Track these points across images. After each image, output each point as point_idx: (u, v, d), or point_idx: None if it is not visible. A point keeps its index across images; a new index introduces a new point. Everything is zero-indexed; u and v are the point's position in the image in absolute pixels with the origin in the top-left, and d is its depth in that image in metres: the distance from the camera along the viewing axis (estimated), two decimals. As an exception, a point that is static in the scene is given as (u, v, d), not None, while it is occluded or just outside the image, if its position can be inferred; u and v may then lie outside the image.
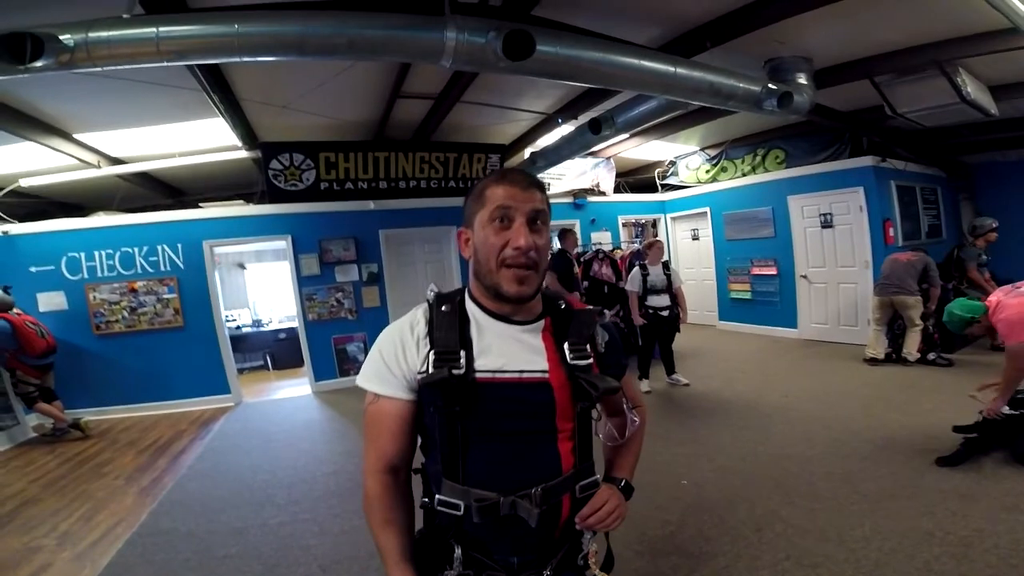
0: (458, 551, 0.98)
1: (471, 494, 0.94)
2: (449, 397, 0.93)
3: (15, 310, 4.85)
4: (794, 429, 3.85)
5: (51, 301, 5.49)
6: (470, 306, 1.04)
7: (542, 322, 1.04)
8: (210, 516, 3.18)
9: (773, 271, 7.17)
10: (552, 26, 2.95)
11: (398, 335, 1.02)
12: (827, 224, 6.50)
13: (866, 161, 6.06)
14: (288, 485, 3.56)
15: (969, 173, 7.36)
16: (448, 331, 0.98)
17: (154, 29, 2.19)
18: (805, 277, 6.81)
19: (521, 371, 0.97)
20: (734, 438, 3.79)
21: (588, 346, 1.03)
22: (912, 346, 5.26)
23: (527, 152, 6.29)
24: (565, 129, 5.31)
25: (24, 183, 5.25)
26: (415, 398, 1.00)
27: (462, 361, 0.95)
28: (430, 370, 0.95)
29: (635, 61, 3.02)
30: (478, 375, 0.95)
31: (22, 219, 5.61)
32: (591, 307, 1.11)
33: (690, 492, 3.01)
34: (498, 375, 0.96)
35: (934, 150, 6.82)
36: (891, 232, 6.12)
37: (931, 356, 5.21)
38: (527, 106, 5.11)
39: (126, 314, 5.70)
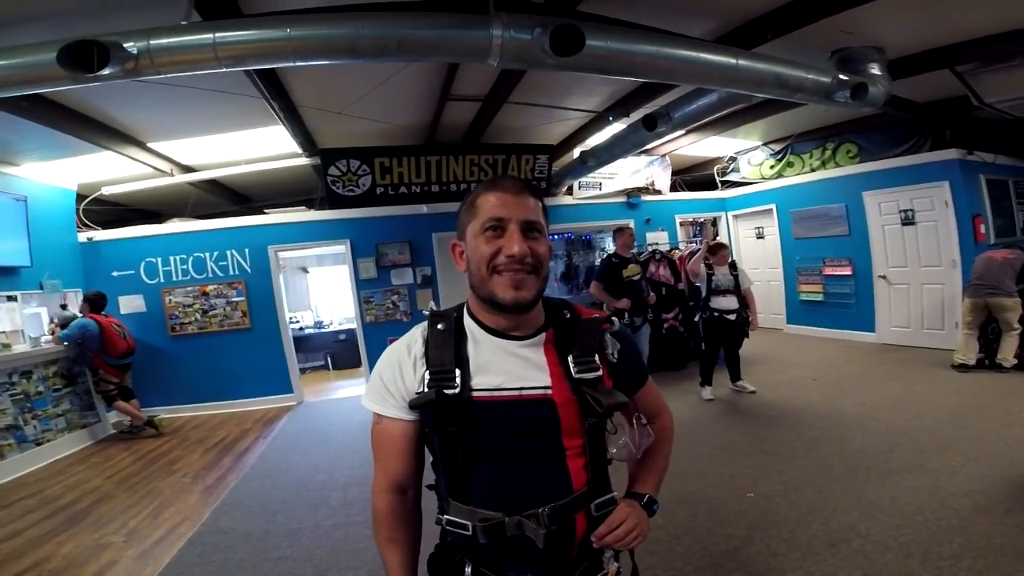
0: (469, 569, 0.96)
1: (476, 514, 0.92)
2: (442, 418, 0.91)
3: (103, 312, 5.21)
4: (874, 440, 3.56)
5: (131, 304, 5.90)
6: (468, 322, 1.00)
7: (543, 335, 0.99)
8: (268, 517, 3.25)
9: (848, 271, 6.72)
10: (600, 20, 2.86)
11: (396, 357, 1.00)
12: (908, 221, 6.03)
13: (951, 154, 5.60)
14: (343, 486, 3.62)
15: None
16: (443, 350, 0.95)
17: (211, 35, 2.28)
18: (884, 277, 6.35)
19: (521, 388, 0.93)
20: (806, 449, 3.55)
21: (596, 357, 0.98)
22: (1009, 351, 4.80)
23: (577, 151, 6.17)
24: (616, 127, 5.16)
25: (105, 191, 5.69)
26: (417, 417, 0.98)
27: (457, 380, 0.92)
28: (425, 390, 0.93)
29: (693, 54, 2.88)
30: (475, 394, 0.92)
31: (105, 226, 6.06)
32: (598, 315, 1.06)
33: (757, 506, 2.83)
34: (496, 393, 0.92)
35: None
36: (982, 229, 5.61)
37: (1032, 361, 4.71)
38: (576, 105, 5.01)
39: (198, 316, 6.05)
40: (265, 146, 5.30)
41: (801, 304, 7.49)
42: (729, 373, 5.07)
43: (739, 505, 2.87)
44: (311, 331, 8.99)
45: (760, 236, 8.18)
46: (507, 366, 0.94)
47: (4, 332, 4.60)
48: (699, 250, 6.39)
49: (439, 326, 0.99)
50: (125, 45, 2.26)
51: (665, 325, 6.06)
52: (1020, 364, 4.75)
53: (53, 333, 4.95)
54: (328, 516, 3.18)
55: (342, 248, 6.52)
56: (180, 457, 4.58)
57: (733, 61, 3.02)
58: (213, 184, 6.31)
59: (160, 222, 6.30)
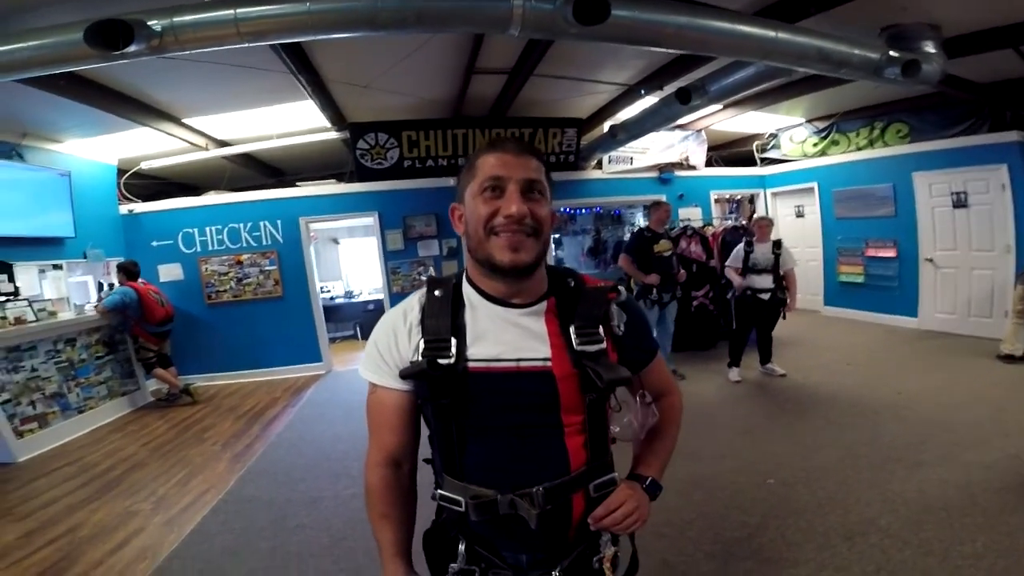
0: (462, 546, 0.95)
1: (468, 491, 0.89)
2: (436, 389, 0.87)
3: (140, 280, 5.41)
4: (907, 430, 3.43)
5: (170, 272, 6.12)
6: (467, 289, 0.96)
7: (544, 303, 0.94)
8: (291, 485, 3.35)
9: (892, 253, 6.42)
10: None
11: (391, 324, 0.96)
12: (960, 204, 5.68)
13: (1011, 136, 5.22)
14: (363, 456, 3.68)
15: None
16: (439, 317, 0.92)
17: (232, 11, 2.29)
18: (931, 261, 6.04)
19: (519, 360, 0.89)
20: (834, 437, 3.45)
21: (600, 329, 0.93)
22: (1061, 343, 4.50)
23: (607, 125, 6.01)
24: (649, 100, 4.98)
25: (144, 166, 5.87)
26: (411, 387, 0.95)
27: (452, 349, 0.88)
28: (419, 359, 0.89)
29: (727, 25, 2.74)
30: (471, 364, 0.88)
31: (146, 199, 6.27)
32: (604, 284, 1.00)
33: (776, 493, 2.78)
34: (493, 364, 0.88)
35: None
36: (1041, 213, 5.22)
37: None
38: (607, 78, 4.85)
39: (233, 284, 6.23)
40: (295, 120, 5.34)
41: (840, 286, 7.22)
42: (760, 354, 4.95)
43: (757, 492, 2.82)
44: (341, 301, 9.17)
45: (800, 215, 7.85)
46: (506, 335, 0.90)
47: (50, 300, 4.81)
48: (735, 228, 6.21)
49: (436, 292, 0.95)
50: (149, 23, 2.30)
51: (695, 303, 5.94)
52: None
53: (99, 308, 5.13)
54: (348, 486, 3.26)
55: (371, 220, 6.58)
56: (212, 425, 4.75)
57: (772, 34, 2.87)
58: (247, 158, 6.42)
59: (197, 195, 6.47)
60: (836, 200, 7.06)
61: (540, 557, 0.95)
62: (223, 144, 5.80)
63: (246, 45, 2.43)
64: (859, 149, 6.67)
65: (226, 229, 6.21)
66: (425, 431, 1.00)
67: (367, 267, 9.36)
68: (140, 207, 6.14)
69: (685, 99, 4.21)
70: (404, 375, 0.91)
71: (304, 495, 3.20)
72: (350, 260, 9.86)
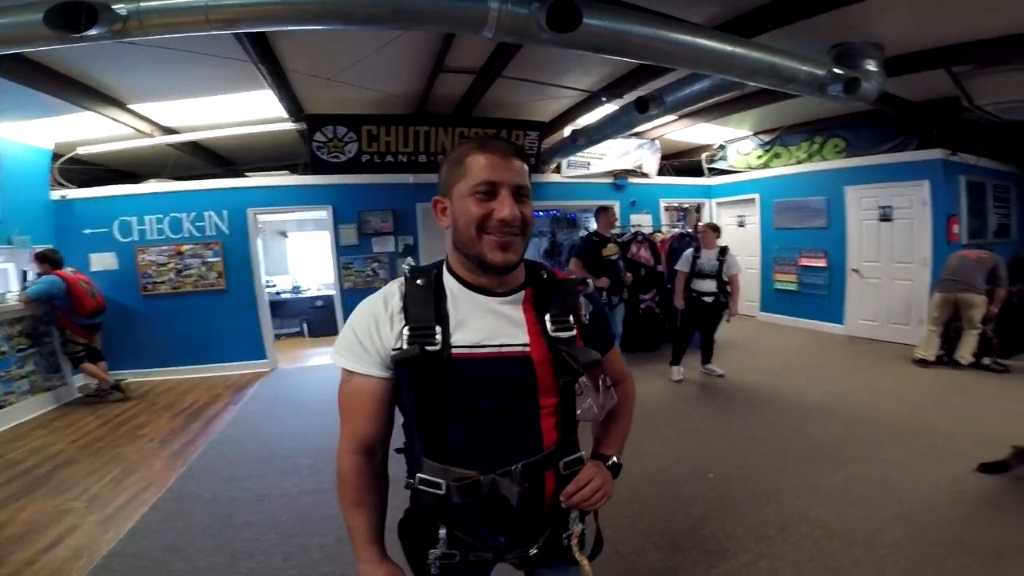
0: (443, 531, 0.97)
1: (450, 473, 0.92)
2: (423, 375, 0.90)
3: (69, 268, 5.05)
4: (833, 429, 3.69)
5: (102, 261, 5.73)
6: (447, 279, 0.99)
7: (522, 293, 1.00)
8: (235, 482, 3.24)
9: (823, 263, 6.86)
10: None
11: (371, 311, 0.97)
12: (886, 217, 6.15)
13: (935, 154, 5.68)
14: (314, 454, 3.62)
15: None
16: (423, 306, 0.94)
17: (203, -3, 2.19)
18: (857, 271, 6.50)
19: (500, 345, 0.94)
20: (768, 435, 3.67)
21: (571, 317, 1.00)
22: (967, 349, 4.98)
23: (568, 130, 6.13)
24: (609, 108, 5.13)
25: (81, 151, 5.49)
26: (391, 375, 0.96)
27: (437, 337, 0.91)
28: (404, 347, 0.91)
29: (690, 38, 2.85)
30: (454, 351, 0.91)
31: (82, 185, 5.85)
32: (574, 276, 1.07)
33: (716, 487, 2.93)
34: (476, 351, 0.92)
35: (1012, 146, 6.31)
36: (955, 229, 5.75)
37: (986, 361, 4.92)
38: (571, 83, 4.94)
39: (172, 275, 5.91)
40: (250, 110, 5.16)
41: (775, 293, 7.64)
42: (701, 355, 5.18)
43: (699, 486, 2.96)
44: (288, 296, 8.88)
45: (741, 224, 8.26)
46: (486, 323, 0.94)
47: (-32, 287, 4.42)
48: (683, 235, 6.48)
49: (419, 281, 0.97)
50: (114, 6, 2.18)
51: (642, 305, 6.15)
52: (976, 363, 4.93)
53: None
54: (297, 483, 3.19)
55: (324, 214, 6.40)
56: (147, 422, 4.51)
57: (728, 48, 3.01)
58: (194, 146, 6.13)
59: (137, 182, 6.09)
60: (776, 211, 7.47)
61: (515, 538, 1.00)
62: (170, 131, 5.52)
63: (212, 33, 2.34)
64: (799, 162, 7.07)
65: (167, 218, 5.89)
66: (399, 420, 1.03)
67: (316, 262, 9.11)
68: (74, 193, 5.73)
69: (643, 108, 4.36)
70: (398, 360, 0.90)
71: (250, 493, 3.11)
72: (299, 254, 9.55)
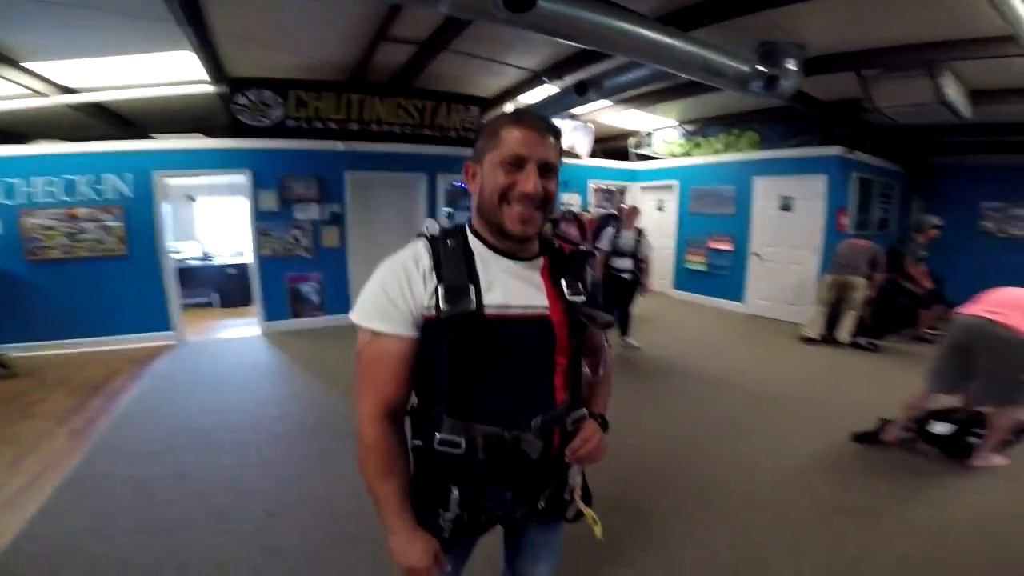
0: (455, 492, 1.00)
1: (475, 429, 0.95)
2: (463, 333, 0.92)
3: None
4: (733, 398, 4.06)
5: (-20, 225, 5.01)
6: (473, 241, 1.02)
7: (541, 260, 1.06)
8: (149, 460, 3.07)
9: (729, 247, 7.43)
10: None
11: (401, 268, 0.97)
12: (786, 207, 6.73)
13: (834, 151, 6.23)
14: (235, 428, 3.49)
15: (929, 173, 7.70)
16: (455, 266, 0.96)
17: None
18: (757, 255, 7.08)
19: (525, 307, 0.98)
20: (679, 403, 3.98)
21: (580, 284, 1.06)
22: (846, 329, 5.60)
23: (509, 107, 6.11)
24: (550, 89, 5.19)
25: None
26: (418, 335, 0.96)
27: (472, 296, 0.94)
28: (441, 305, 0.92)
29: (635, 29, 2.95)
30: (487, 311, 0.94)
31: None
32: (582, 248, 1.15)
33: (635, 451, 3.11)
34: (504, 311, 0.96)
35: (901, 147, 7.08)
36: (844, 221, 6.40)
37: (861, 340, 5.56)
38: (516, 62, 4.94)
39: (65, 240, 5.28)
40: (164, 71, 4.68)
41: (687, 272, 8.19)
42: (620, 328, 5.47)
43: (620, 451, 3.07)
44: (197, 263, 8.22)
45: (660, 208, 8.71)
46: (513, 285, 0.98)
47: None
48: (608, 216, 6.73)
49: (449, 242, 0.99)
50: None
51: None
52: (853, 342, 5.56)
53: None
54: (219, 459, 3.07)
55: (240, 178, 5.95)
56: (40, 399, 4.07)
57: (668, 40, 3.14)
58: (95, 108, 5.47)
59: (25, 143, 5.35)
60: (691, 197, 7.95)
61: (522, 493, 1.06)
62: (69, 91, 4.88)
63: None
64: (716, 153, 7.53)
65: (60, 181, 5.23)
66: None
67: (229, 229, 8.50)
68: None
69: (582, 92, 4.46)
70: (445, 318, 0.91)
71: (168, 469, 2.95)
72: (209, 220, 8.83)
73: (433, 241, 1.00)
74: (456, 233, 1.02)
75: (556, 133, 1.00)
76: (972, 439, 3.01)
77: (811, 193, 6.47)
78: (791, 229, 6.72)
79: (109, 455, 3.13)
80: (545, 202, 0.97)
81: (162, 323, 5.78)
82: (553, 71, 4.87)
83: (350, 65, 5.12)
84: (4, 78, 4.08)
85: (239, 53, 4.55)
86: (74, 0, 2.08)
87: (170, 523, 2.44)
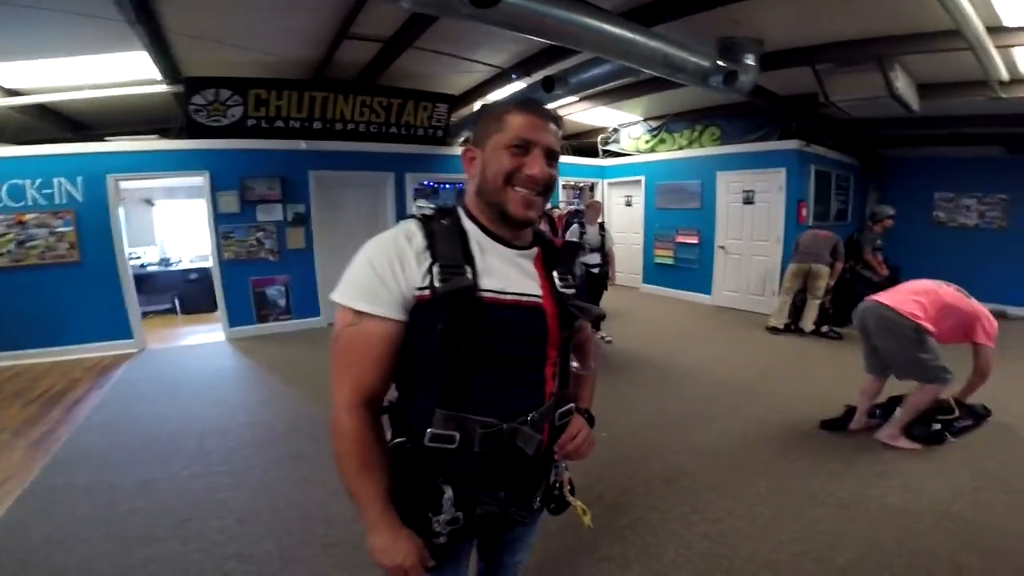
0: (448, 492, 0.94)
1: (471, 421, 0.91)
2: (459, 314, 0.88)
3: None
4: (701, 390, 4.12)
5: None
6: (468, 224, 0.99)
7: (535, 250, 1.04)
8: (111, 470, 2.98)
9: (695, 240, 7.57)
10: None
11: (392, 245, 0.91)
12: (748, 201, 6.89)
13: (792, 144, 6.39)
14: (199, 436, 3.41)
15: (881, 165, 8.03)
16: (452, 244, 0.93)
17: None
18: (723, 248, 7.23)
19: (520, 294, 0.95)
20: (649, 395, 4.03)
21: (571, 277, 1.05)
22: (810, 319, 5.76)
23: (477, 104, 6.11)
24: (518, 85, 5.20)
25: None
26: (405, 320, 0.91)
27: (468, 276, 0.90)
28: (435, 284, 0.87)
29: (598, 24, 3.00)
30: (483, 294, 0.91)
31: None
32: (571, 240, 1.15)
33: (608, 445, 3.11)
34: (500, 296, 0.93)
35: (854, 140, 7.32)
36: (804, 212, 6.59)
37: (824, 329, 5.73)
38: (483, 59, 4.94)
39: (12, 247, 5.04)
40: (115, 71, 4.52)
41: (655, 267, 8.32)
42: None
43: (596, 445, 3.19)
44: (156, 269, 7.95)
45: (629, 204, 8.84)
46: (507, 272, 0.96)
47: None
48: (576, 212, 6.78)
49: (444, 222, 0.96)
50: None
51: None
52: (816, 331, 5.73)
53: None
54: (184, 467, 2.99)
55: (199, 180, 5.77)
56: (-6, 412, 3.89)
57: (630, 35, 3.20)
58: (41, 110, 5.25)
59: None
60: (658, 193, 8.07)
61: (516, 490, 1.02)
62: (13, 94, 4.67)
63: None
64: (680, 148, 7.67)
65: (5, 185, 5.00)
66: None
67: (189, 233, 8.24)
68: None
69: (549, 88, 4.49)
70: (444, 293, 0.86)
71: (131, 479, 2.87)
72: (167, 224, 8.54)
73: (426, 220, 0.96)
74: (450, 213, 0.99)
75: (558, 121, 0.99)
76: (936, 424, 3.15)
77: (771, 186, 6.63)
78: (754, 222, 6.88)
79: (70, 466, 3.03)
80: (548, 188, 0.97)
81: (121, 331, 5.58)
82: (520, 67, 4.88)
83: (312, 63, 5.02)
84: None
85: (195, 52, 4.42)
86: None
87: (137, 533, 2.37)
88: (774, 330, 5.88)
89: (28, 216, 5.09)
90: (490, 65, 5.14)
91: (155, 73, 4.60)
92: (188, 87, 4.93)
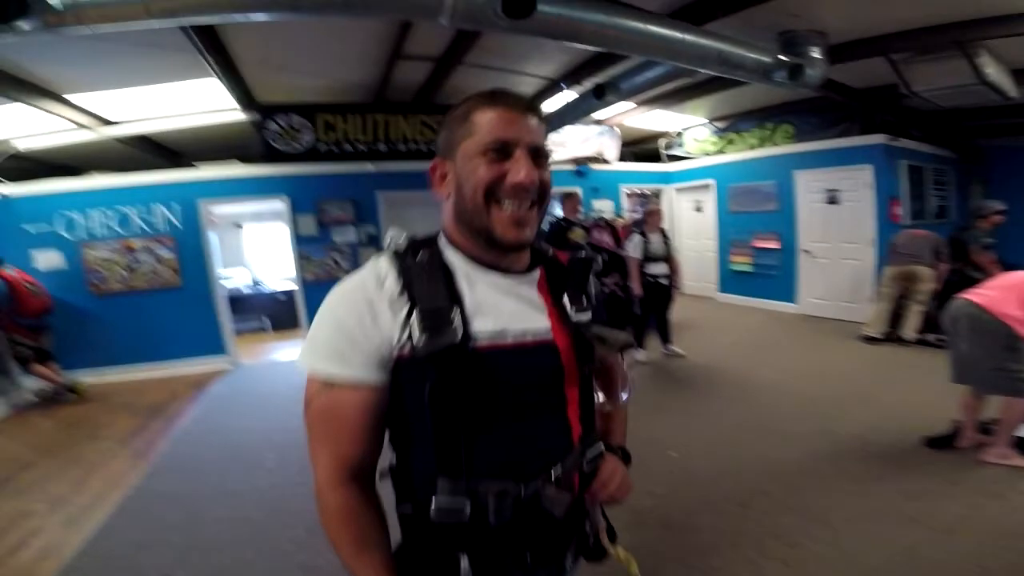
0: (465, 562, 0.78)
1: (481, 488, 0.76)
2: (448, 371, 0.73)
3: (11, 268, 4.81)
4: (785, 405, 3.84)
5: (48, 260, 5.45)
6: (451, 254, 0.82)
7: (537, 272, 0.87)
8: (201, 479, 3.21)
9: (776, 245, 7.11)
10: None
11: (361, 294, 0.76)
12: (833, 200, 6.40)
13: (877, 139, 5.92)
14: (280, 448, 3.58)
15: (983, 156, 7.20)
16: (432, 284, 0.76)
17: (143, -13, 2.10)
18: (807, 252, 6.75)
19: (524, 332, 0.79)
20: (725, 412, 3.79)
21: (584, 298, 0.89)
22: (912, 326, 5.24)
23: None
24: (569, 95, 5.18)
25: (19, 146, 5.19)
26: (386, 381, 0.76)
27: (456, 322, 0.74)
28: (414, 337, 0.73)
29: (641, 25, 2.91)
30: (478, 342, 0.75)
31: (16, 181, 5.50)
32: (583, 254, 0.95)
33: (678, 464, 3.01)
34: (499, 340, 0.77)
35: (948, 131, 6.67)
36: (898, 211, 6.03)
37: (930, 337, 5.14)
38: (531, 70, 4.96)
39: (123, 272, 5.67)
40: (198, 100, 4.95)
41: (732, 274, 7.88)
42: (660, 337, 5.29)
43: (662, 464, 3.02)
44: (248, 291, 8.63)
45: (698, 209, 8.48)
46: (506, 306, 0.80)
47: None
48: (637, 221, 6.60)
49: (421, 255, 0.79)
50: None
51: (605, 290, 6.23)
52: (920, 339, 5.17)
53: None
54: (264, 478, 3.16)
55: (280, 204, 6.24)
56: (107, 423, 4.36)
57: (679, 35, 3.08)
58: (140, 139, 5.86)
59: (80, 176, 5.80)
60: (730, 196, 7.69)
61: (543, 550, 0.84)
62: (111, 124, 5.24)
63: (156, 25, 2.25)
64: (751, 148, 7.28)
65: (115, 213, 5.63)
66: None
67: (276, 254, 8.88)
68: (12, 190, 5.41)
69: (600, 95, 4.42)
70: (426, 354, 0.72)
71: (217, 488, 3.08)
72: (257, 247, 9.28)
73: (399, 256, 0.80)
74: (428, 243, 0.83)
75: (539, 113, 0.81)
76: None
77: (858, 184, 6.13)
78: (840, 223, 6.38)
79: (166, 474, 3.31)
80: (541, 197, 0.80)
81: (217, 348, 6.08)
82: (570, 76, 4.86)
83: (372, 85, 5.26)
84: (49, 112, 4.39)
85: (265, 79, 4.73)
86: (101, 33, 2.25)
87: (216, 540, 2.53)
88: (871, 339, 5.38)
89: (136, 243, 5.70)
90: (539, 76, 5.15)
91: (231, 101, 5.00)
92: (262, 114, 5.33)
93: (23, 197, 5.45)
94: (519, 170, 0.76)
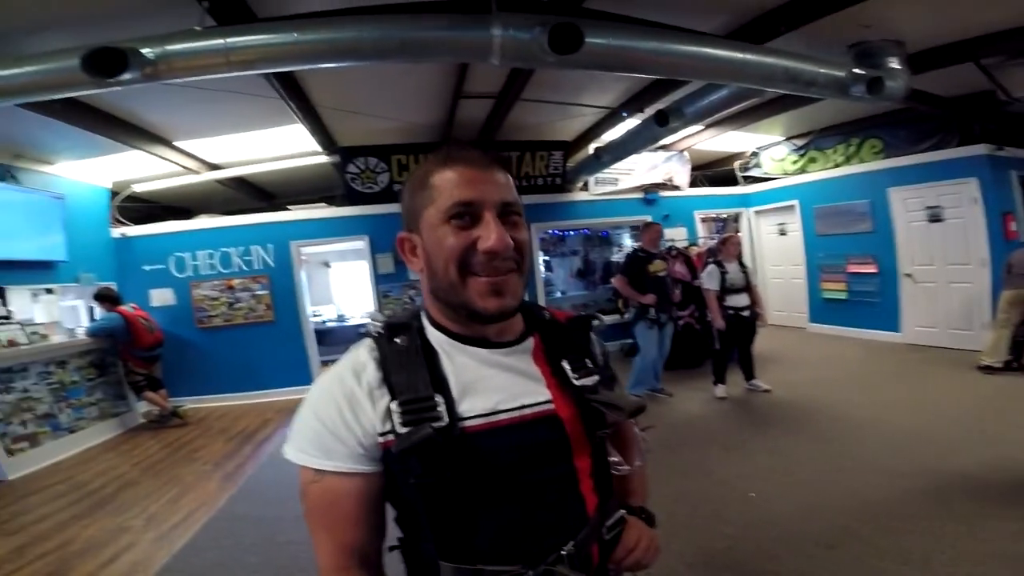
0: None
1: (488, 573, 0.71)
2: (433, 462, 0.68)
3: (130, 305, 5.45)
4: (888, 443, 3.48)
5: (162, 297, 6.15)
6: (433, 334, 0.78)
7: (531, 340, 0.82)
8: (280, 503, 3.36)
9: (873, 269, 6.54)
10: (605, 18, 2.86)
11: (339, 388, 0.73)
12: (935, 218, 5.84)
13: (979, 150, 5.39)
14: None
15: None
16: (412, 371, 0.72)
17: (222, 41, 2.40)
18: (910, 276, 6.16)
19: (521, 407, 0.74)
20: (816, 450, 3.49)
21: (588, 361, 0.83)
22: (1036, 354, 4.60)
23: (592, 147, 6.18)
24: (631, 123, 5.16)
25: (136, 188, 5.97)
26: (378, 468, 0.73)
27: (440, 409, 0.70)
28: (396, 428, 0.69)
29: (696, 49, 2.88)
30: (467, 424, 0.71)
31: (138, 222, 6.32)
32: (580, 313, 0.92)
33: (758, 506, 2.81)
34: (492, 419, 0.73)
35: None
36: (1013, 226, 5.39)
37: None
38: (590, 101, 5.01)
39: (225, 309, 6.27)
40: (286, 144, 5.45)
41: (824, 302, 7.31)
42: (743, 371, 4.98)
43: (740, 505, 2.85)
44: (333, 325, 9.18)
45: (783, 233, 8.01)
46: (497, 382, 0.75)
47: (42, 323, 4.87)
48: (711, 250, 6.33)
49: (397, 340, 0.75)
50: (143, 51, 2.39)
51: (681, 322, 6.00)
52: None
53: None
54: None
55: (361, 244, 6.65)
56: (203, 445, 4.76)
57: (739, 56, 3.00)
58: (238, 181, 6.54)
59: (189, 218, 6.55)
60: (817, 217, 7.20)
61: None
62: (215, 167, 5.91)
63: (236, 74, 2.54)
64: (836, 166, 6.84)
65: (218, 253, 6.27)
66: (390, 512, 0.80)
67: (358, 291, 9.39)
68: (132, 231, 6.19)
69: (663, 121, 4.36)
70: (401, 450, 0.68)
71: (293, 513, 3.16)
72: (341, 284, 9.89)
73: (379, 341, 0.76)
74: (406, 326, 0.78)
75: (503, 164, 0.76)
76: None
77: (962, 199, 5.58)
78: (946, 242, 5.81)
79: (249, 497, 3.53)
80: (520, 259, 0.74)
81: (305, 378, 6.46)
82: (630, 104, 4.86)
83: (438, 125, 5.53)
84: (162, 157, 5.00)
85: (342, 123, 5.10)
86: (195, 83, 2.59)
87: (287, 562, 2.65)
88: (989, 369, 4.79)
89: (235, 281, 6.29)
90: (598, 107, 5.18)
91: (315, 144, 5.44)
92: (342, 156, 5.74)
93: (140, 237, 6.20)
94: (490, 236, 0.70)
